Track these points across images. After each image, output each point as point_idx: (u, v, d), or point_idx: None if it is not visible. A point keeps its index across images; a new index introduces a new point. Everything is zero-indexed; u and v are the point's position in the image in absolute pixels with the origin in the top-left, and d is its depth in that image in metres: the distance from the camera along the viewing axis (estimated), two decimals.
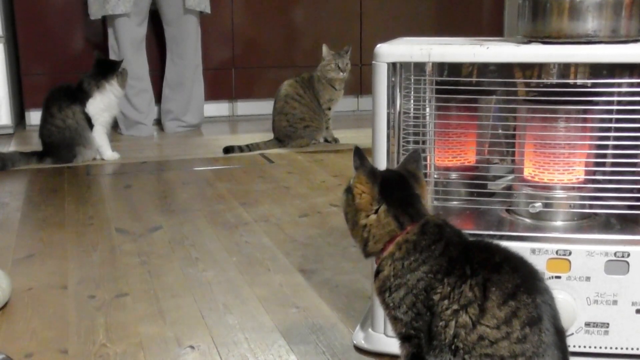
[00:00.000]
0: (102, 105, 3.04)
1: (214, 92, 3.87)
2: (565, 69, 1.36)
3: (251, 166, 2.92)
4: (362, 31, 4.08)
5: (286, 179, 2.69)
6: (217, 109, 3.96)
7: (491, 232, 1.29)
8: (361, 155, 1.08)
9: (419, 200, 1.08)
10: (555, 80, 1.36)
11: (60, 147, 2.98)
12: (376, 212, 1.06)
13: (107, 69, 3.06)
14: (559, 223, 1.33)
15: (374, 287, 1.08)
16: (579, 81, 1.36)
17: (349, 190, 1.09)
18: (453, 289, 0.98)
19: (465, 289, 0.98)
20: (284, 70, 3.82)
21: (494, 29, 4.29)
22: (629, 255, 1.24)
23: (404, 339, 1.05)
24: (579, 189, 1.33)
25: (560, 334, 0.98)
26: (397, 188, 1.07)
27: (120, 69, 3.07)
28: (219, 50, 3.89)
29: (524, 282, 0.97)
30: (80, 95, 3.02)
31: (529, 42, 1.31)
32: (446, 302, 0.98)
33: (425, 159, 1.33)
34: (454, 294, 0.98)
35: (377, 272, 1.07)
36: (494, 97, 1.41)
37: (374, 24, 4.07)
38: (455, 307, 0.97)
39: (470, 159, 1.44)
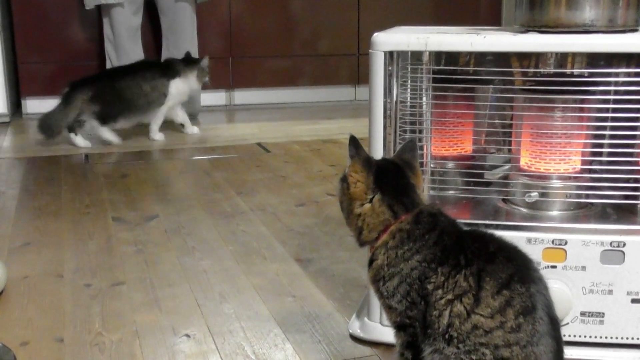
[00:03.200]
0: (180, 88, 3.22)
1: (211, 81, 3.85)
2: (562, 58, 1.35)
3: (248, 155, 2.91)
4: (360, 20, 4.07)
5: (283, 168, 2.69)
6: (214, 98, 3.95)
7: (487, 222, 1.29)
8: (356, 144, 1.08)
9: (414, 189, 1.07)
10: (552, 70, 1.35)
11: (129, 108, 3.13)
12: (370, 201, 1.06)
13: (191, 62, 3.27)
14: (555, 213, 1.33)
15: (368, 276, 1.08)
16: (576, 71, 1.35)
17: (344, 179, 1.09)
18: (447, 279, 0.98)
19: (459, 278, 0.97)
20: (282, 59, 3.81)
21: (492, 19, 4.28)
22: (624, 245, 1.24)
23: (399, 327, 1.05)
24: (576, 179, 1.33)
25: (554, 323, 0.98)
26: (392, 177, 1.07)
27: (202, 65, 3.25)
28: (217, 39, 3.88)
29: (518, 272, 0.98)
30: (168, 72, 3.21)
31: (526, 31, 1.31)
32: (440, 291, 0.98)
33: (421, 148, 1.33)
34: (448, 284, 0.98)
35: (371, 261, 1.07)
36: (491, 86, 1.40)
37: (372, 13, 4.06)
38: (449, 296, 0.97)
39: (467, 148, 1.44)
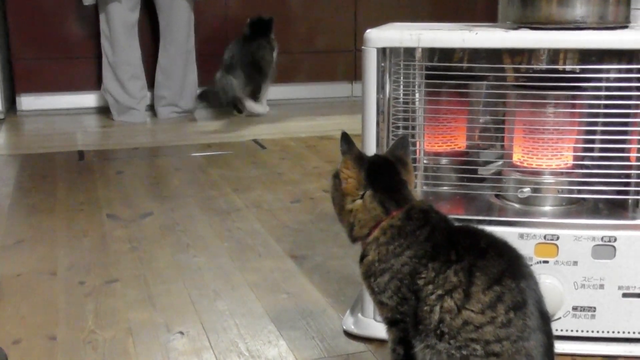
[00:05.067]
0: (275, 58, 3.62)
1: (208, 78, 3.85)
2: (554, 54, 1.35)
3: (244, 152, 2.91)
4: (356, 16, 4.07)
5: (279, 165, 2.69)
6: None
7: (480, 217, 1.29)
8: (348, 140, 1.08)
9: (405, 185, 1.08)
10: (544, 66, 1.36)
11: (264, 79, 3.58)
12: (362, 197, 1.06)
13: (266, 26, 3.59)
14: (547, 208, 1.33)
15: (360, 272, 1.08)
16: (568, 67, 1.36)
17: (336, 176, 1.09)
18: (438, 274, 0.99)
19: (450, 274, 0.98)
20: (279, 56, 3.80)
21: (489, 15, 4.28)
22: (615, 239, 1.24)
23: (391, 323, 1.06)
24: (568, 174, 1.33)
25: (544, 318, 0.98)
26: (384, 173, 1.07)
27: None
28: (213, 36, 3.87)
29: (509, 267, 0.98)
30: (273, 44, 3.62)
31: (518, 27, 1.31)
32: (431, 287, 0.99)
33: (414, 144, 1.33)
34: (438, 279, 0.98)
35: (363, 257, 1.07)
36: (484, 82, 1.40)
37: (369, 9, 4.06)
38: (440, 292, 0.98)
39: (460, 144, 1.44)
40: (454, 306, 0.96)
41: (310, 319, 1.43)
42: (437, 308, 0.97)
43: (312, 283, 1.61)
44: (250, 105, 3.59)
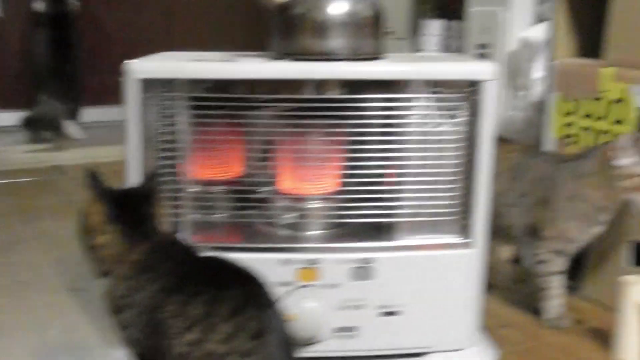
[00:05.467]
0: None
1: (7, 100, 3.63)
2: (319, 85, 1.40)
3: (42, 179, 2.77)
4: (171, 40, 4.03)
5: (77, 192, 2.57)
6: (8, 117, 3.70)
7: (244, 245, 1.32)
8: (94, 175, 1.06)
9: (153, 219, 1.07)
10: (307, 96, 1.40)
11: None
12: (108, 232, 1.04)
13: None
14: (310, 233, 1.38)
15: (106, 307, 1.06)
16: (331, 97, 1.41)
17: (82, 212, 1.06)
18: (182, 307, 0.98)
19: (193, 306, 0.98)
20: (89, 77, 3.66)
21: None
22: (372, 261, 1.31)
23: (139, 358, 1.04)
24: (330, 200, 1.38)
25: (286, 345, 1.01)
26: (130, 208, 1.06)
27: None
28: (13, 57, 3.66)
29: (252, 296, 1.00)
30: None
31: (280, 58, 1.35)
32: (174, 320, 0.98)
33: (179, 174, 1.32)
34: (182, 312, 0.98)
35: (109, 292, 1.05)
36: (252, 112, 1.43)
37: (184, 32, 4.04)
38: (183, 324, 0.97)
39: (229, 172, 1.45)
40: (196, 338, 0.97)
41: (79, 356, 1.37)
42: (181, 341, 0.97)
43: (86, 317, 1.55)
44: (72, 129, 3.28)
